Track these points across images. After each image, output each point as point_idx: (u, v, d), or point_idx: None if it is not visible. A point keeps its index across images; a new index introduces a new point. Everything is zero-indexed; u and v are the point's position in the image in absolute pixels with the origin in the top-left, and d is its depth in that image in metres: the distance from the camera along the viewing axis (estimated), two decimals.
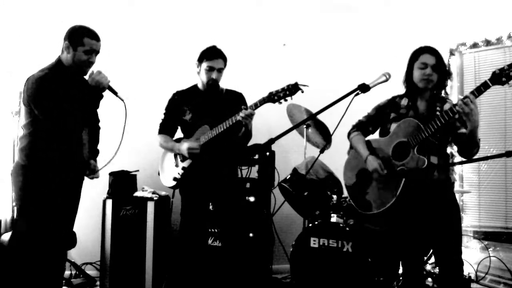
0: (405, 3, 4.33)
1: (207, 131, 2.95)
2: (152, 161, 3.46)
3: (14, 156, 3.66)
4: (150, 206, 3.50)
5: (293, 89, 2.71)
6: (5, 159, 3.73)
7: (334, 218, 3.25)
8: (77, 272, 3.82)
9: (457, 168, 4.11)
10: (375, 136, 2.76)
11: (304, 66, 4.18)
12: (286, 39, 4.35)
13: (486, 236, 4.05)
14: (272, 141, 2.14)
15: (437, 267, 2.68)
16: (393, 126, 2.57)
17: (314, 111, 2.64)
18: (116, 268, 3.48)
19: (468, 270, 3.81)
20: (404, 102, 2.61)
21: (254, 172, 3.79)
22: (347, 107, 2.24)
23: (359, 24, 4.36)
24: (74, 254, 3.84)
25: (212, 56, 2.97)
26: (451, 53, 4.25)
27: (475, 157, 2.44)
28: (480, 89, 2.22)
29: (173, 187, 3.11)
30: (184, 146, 2.95)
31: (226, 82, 3.12)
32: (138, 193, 3.61)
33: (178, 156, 3.08)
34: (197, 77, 3.10)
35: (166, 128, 3.17)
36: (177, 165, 3.08)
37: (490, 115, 3.98)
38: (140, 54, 4.11)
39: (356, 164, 2.75)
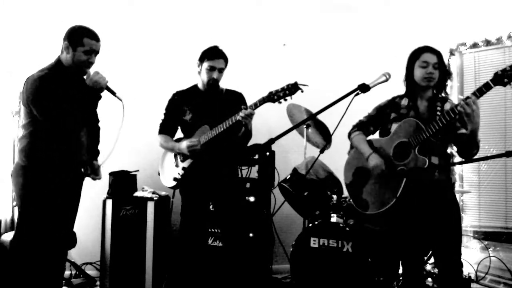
0: (405, 3, 4.33)
1: (207, 131, 2.95)
2: (152, 161, 3.46)
3: (14, 157, 3.66)
4: (150, 206, 3.50)
5: (293, 88, 2.71)
6: (5, 160, 3.74)
7: (334, 218, 3.25)
8: (77, 272, 3.82)
9: (457, 168, 4.11)
10: (375, 136, 2.76)
11: (304, 66, 4.18)
12: (286, 39, 4.35)
13: (486, 236, 4.05)
14: (272, 141, 2.13)
15: (437, 267, 2.68)
16: (394, 126, 2.57)
17: (314, 111, 2.64)
18: (116, 268, 3.48)
19: (468, 270, 3.81)
20: (405, 102, 2.61)
21: (254, 172, 3.79)
22: (347, 107, 2.23)
23: (359, 24, 4.36)
24: (74, 254, 3.84)
25: (214, 56, 2.98)
26: (451, 53, 4.25)
27: (475, 157, 2.44)
28: (482, 90, 2.21)
29: (173, 187, 3.11)
30: (184, 145, 2.96)
31: (226, 82, 3.12)
32: (138, 193, 3.61)
33: (178, 156, 3.08)
34: (197, 77, 3.10)
35: (166, 128, 3.17)
36: (177, 165, 3.08)
37: (490, 115, 3.98)
38: (140, 54, 4.11)
39: (356, 164, 2.75)
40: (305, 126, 3.63)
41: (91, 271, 3.88)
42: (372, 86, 2.28)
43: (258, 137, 3.23)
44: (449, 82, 4.24)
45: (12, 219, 3.76)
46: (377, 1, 4.40)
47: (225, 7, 4.25)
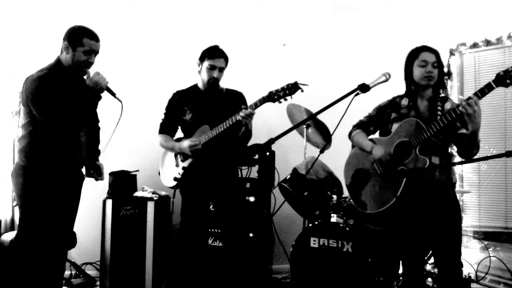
0: (405, 3, 4.33)
1: (207, 131, 2.95)
2: (152, 161, 3.46)
3: (14, 157, 3.66)
4: (150, 206, 3.50)
5: (293, 88, 2.72)
6: (5, 160, 3.74)
7: (334, 218, 3.25)
8: (77, 272, 3.82)
9: (457, 168, 4.10)
10: (376, 136, 2.76)
11: (304, 66, 4.18)
12: (286, 39, 4.35)
13: (486, 236, 4.05)
14: (272, 141, 2.13)
15: (437, 267, 2.68)
16: (395, 126, 2.57)
17: (314, 111, 2.64)
18: (116, 268, 3.48)
19: (468, 270, 3.81)
20: (405, 102, 2.61)
21: (254, 172, 3.79)
22: (347, 107, 2.23)
23: (359, 24, 4.36)
24: (74, 254, 3.84)
25: (214, 55, 2.98)
26: (451, 53, 4.25)
27: (475, 157, 2.44)
28: (484, 91, 2.21)
29: (174, 187, 3.11)
30: (185, 144, 2.95)
31: (227, 81, 3.12)
32: (138, 193, 3.61)
33: (178, 156, 3.08)
34: (197, 77, 3.10)
35: (166, 128, 3.17)
36: (177, 165, 3.08)
37: (490, 115, 3.97)
38: (140, 54, 4.11)
39: (357, 163, 2.75)
40: (305, 126, 3.63)
41: (91, 271, 3.88)
42: (372, 86, 2.28)
43: (258, 137, 3.23)
44: (449, 82, 4.25)
45: (12, 219, 3.76)
46: (377, 1, 4.40)
47: (225, 7, 4.25)
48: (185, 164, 3.03)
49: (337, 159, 3.05)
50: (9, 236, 3.38)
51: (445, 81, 2.65)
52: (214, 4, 4.24)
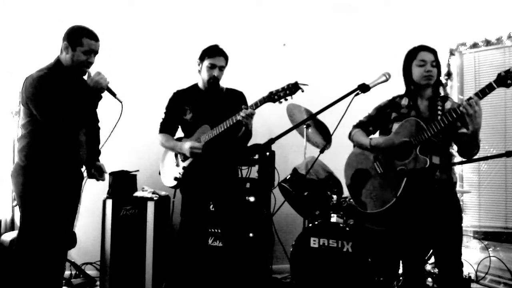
0: (405, 3, 4.34)
1: (207, 131, 2.95)
2: (152, 161, 3.46)
3: (14, 157, 3.66)
4: (150, 206, 3.50)
5: (293, 88, 2.71)
6: (5, 160, 3.74)
7: (334, 218, 3.25)
8: (77, 272, 3.82)
9: (457, 168, 4.09)
10: (376, 136, 2.76)
11: (304, 66, 4.18)
12: (286, 39, 4.35)
13: (486, 236, 4.05)
14: (272, 141, 2.13)
15: (437, 267, 2.68)
16: (395, 126, 2.57)
17: (314, 111, 2.63)
18: (116, 268, 3.48)
19: (468, 270, 3.81)
20: (405, 102, 2.61)
21: (254, 172, 3.79)
22: (347, 107, 2.23)
23: (359, 24, 4.36)
24: (74, 254, 3.84)
25: (214, 53, 2.98)
26: (451, 53, 4.25)
27: (475, 157, 2.44)
28: (485, 91, 2.21)
29: (174, 187, 3.11)
30: (186, 146, 2.95)
31: (227, 81, 3.12)
32: (138, 193, 3.61)
33: (179, 156, 3.08)
34: (197, 77, 3.10)
35: (166, 128, 3.17)
36: (177, 165, 3.08)
37: (490, 115, 3.97)
38: (140, 54, 4.11)
39: (357, 163, 2.75)
40: (305, 126, 3.63)
41: (91, 271, 3.88)
42: (372, 86, 2.28)
43: (258, 137, 3.23)
44: (449, 82, 4.25)
45: (12, 219, 3.76)
46: (377, 1, 4.40)
47: (225, 7, 4.25)
48: (186, 164, 3.03)
49: (337, 159, 3.05)
50: (9, 236, 3.38)
51: (443, 80, 2.64)
52: (214, 4, 4.24)
